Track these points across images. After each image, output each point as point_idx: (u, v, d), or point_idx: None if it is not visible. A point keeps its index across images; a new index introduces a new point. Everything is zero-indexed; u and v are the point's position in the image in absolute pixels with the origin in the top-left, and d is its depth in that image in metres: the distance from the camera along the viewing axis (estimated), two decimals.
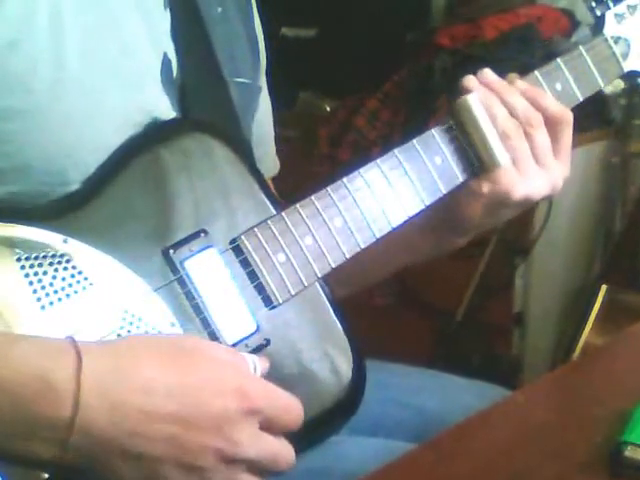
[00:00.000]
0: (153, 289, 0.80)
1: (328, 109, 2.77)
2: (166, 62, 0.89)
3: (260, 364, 0.76)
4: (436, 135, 0.95)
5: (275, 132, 1.13)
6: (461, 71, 0.99)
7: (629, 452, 0.81)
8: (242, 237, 0.84)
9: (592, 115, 2.19)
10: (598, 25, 1.09)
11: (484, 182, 0.95)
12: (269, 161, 1.12)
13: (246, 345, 0.83)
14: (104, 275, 0.78)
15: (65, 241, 0.77)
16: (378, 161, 0.92)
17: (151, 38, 0.88)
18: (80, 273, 0.77)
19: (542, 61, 1.04)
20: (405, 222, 0.93)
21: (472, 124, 0.95)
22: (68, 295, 0.76)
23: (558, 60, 1.03)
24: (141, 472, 0.68)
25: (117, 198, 0.81)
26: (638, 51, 1.11)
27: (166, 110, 0.88)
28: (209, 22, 0.95)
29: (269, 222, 0.85)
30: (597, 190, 2.31)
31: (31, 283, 0.75)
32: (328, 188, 0.88)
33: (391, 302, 2.45)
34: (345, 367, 0.88)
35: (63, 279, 0.76)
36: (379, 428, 1.07)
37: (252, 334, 0.83)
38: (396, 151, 0.93)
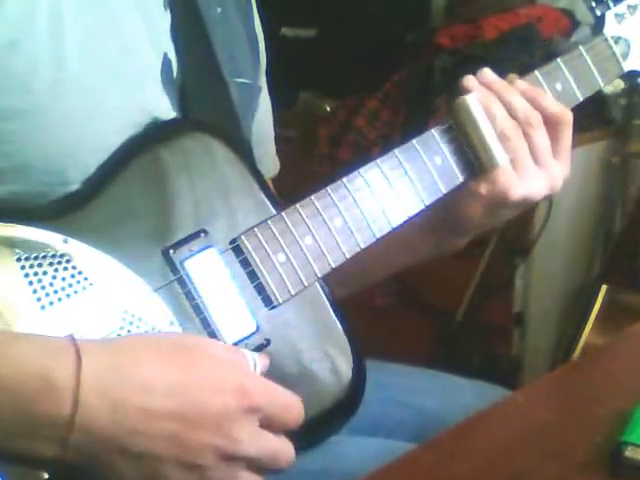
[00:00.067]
0: (153, 289, 0.80)
1: (328, 109, 2.78)
2: (166, 62, 0.89)
3: (260, 361, 0.76)
4: (436, 135, 0.95)
5: (275, 132, 1.13)
6: (461, 71, 0.99)
7: (629, 452, 0.81)
8: (242, 237, 0.84)
9: (592, 115, 2.19)
10: (598, 25, 1.09)
11: (483, 183, 0.95)
12: (269, 161, 1.12)
13: (246, 345, 0.83)
14: (104, 275, 0.78)
15: (65, 241, 0.77)
16: (378, 161, 0.92)
17: (151, 38, 0.88)
18: (80, 273, 0.77)
19: (542, 61, 1.04)
20: (405, 222, 0.93)
21: (471, 124, 0.95)
22: (68, 295, 0.76)
23: (558, 60, 1.03)
24: (141, 470, 0.68)
25: (117, 198, 0.81)
26: (638, 51, 1.11)
27: (166, 110, 0.88)
28: (209, 22, 0.95)
29: (269, 222, 0.85)
30: (597, 190, 2.31)
31: (31, 283, 0.75)
32: (328, 188, 0.88)
33: (391, 302, 2.45)
34: (345, 367, 0.88)
35: (63, 279, 0.76)
36: (379, 428, 1.07)
37: (252, 334, 0.83)
38: (396, 151, 0.93)
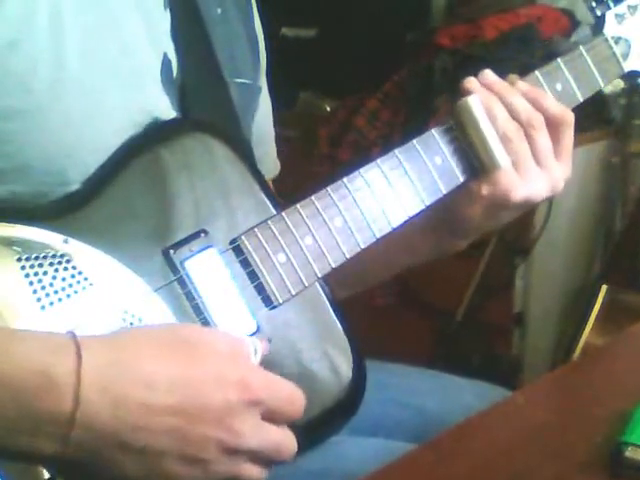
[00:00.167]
0: (153, 289, 0.80)
1: (328, 109, 2.77)
2: (166, 62, 0.89)
3: (260, 346, 0.76)
4: (436, 135, 0.95)
5: (275, 132, 1.13)
6: (461, 71, 1.00)
7: (629, 453, 0.81)
8: (242, 237, 0.84)
9: (592, 115, 2.19)
10: (598, 25, 1.09)
11: (484, 184, 0.95)
12: (269, 162, 1.12)
13: None
14: (104, 275, 0.78)
15: (65, 241, 0.77)
16: (378, 161, 0.92)
17: (151, 38, 0.88)
18: (80, 273, 0.77)
19: (542, 61, 1.04)
20: (405, 222, 0.93)
21: (472, 126, 0.95)
22: (68, 295, 0.76)
23: (558, 60, 1.03)
24: (144, 465, 0.68)
25: (117, 198, 0.81)
26: (638, 51, 1.11)
27: (166, 110, 0.88)
28: (209, 22, 0.95)
29: (269, 222, 0.85)
30: (597, 190, 2.32)
31: (31, 283, 0.75)
32: (328, 188, 0.88)
33: (391, 302, 2.45)
34: (345, 367, 0.88)
35: (63, 279, 0.76)
36: (379, 428, 1.07)
37: (252, 334, 0.83)
38: (396, 151, 0.93)
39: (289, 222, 0.86)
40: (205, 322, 0.82)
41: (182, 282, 0.81)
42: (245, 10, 1.05)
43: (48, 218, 0.78)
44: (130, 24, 0.86)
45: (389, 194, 0.91)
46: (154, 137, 0.85)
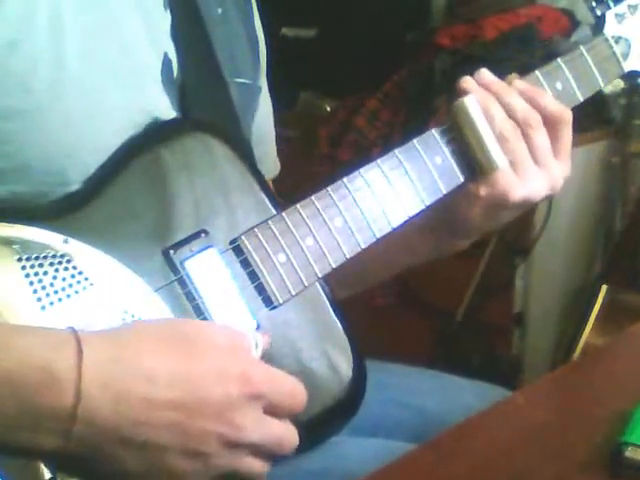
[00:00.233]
0: (153, 289, 0.80)
1: (328, 109, 2.77)
2: (166, 62, 0.89)
3: (262, 340, 0.76)
4: (436, 135, 0.95)
5: (275, 132, 1.13)
6: (461, 71, 0.99)
7: (629, 453, 0.81)
8: (242, 237, 0.84)
9: (592, 115, 2.19)
10: (598, 25, 1.09)
11: (482, 185, 0.95)
12: (270, 162, 1.11)
13: None
14: (104, 275, 0.78)
15: (66, 241, 0.77)
16: (378, 161, 0.92)
17: (151, 38, 0.88)
18: (80, 273, 0.77)
19: (542, 61, 1.04)
20: (405, 222, 0.93)
21: (469, 126, 0.95)
22: (68, 295, 0.76)
23: (559, 60, 1.03)
24: (145, 460, 0.68)
25: (117, 198, 0.81)
26: (638, 51, 1.11)
27: (166, 110, 0.88)
28: (209, 22, 0.95)
29: (269, 222, 0.85)
30: (597, 190, 2.32)
31: (31, 283, 0.75)
32: (328, 188, 0.88)
33: (391, 302, 2.45)
34: (345, 367, 0.88)
35: (63, 279, 0.76)
36: (379, 428, 1.07)
37: None
38: (396, 151, 0.93)
39: (289, 222, 0.86)
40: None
41: (182, 282, 0.81)
42: (245, 10, 1.05)
43: (48, 218, 0.78)
44: (130, 24, 0.86)
45: (389, 194, 0.91)
46: (154, 137, 0.85)
